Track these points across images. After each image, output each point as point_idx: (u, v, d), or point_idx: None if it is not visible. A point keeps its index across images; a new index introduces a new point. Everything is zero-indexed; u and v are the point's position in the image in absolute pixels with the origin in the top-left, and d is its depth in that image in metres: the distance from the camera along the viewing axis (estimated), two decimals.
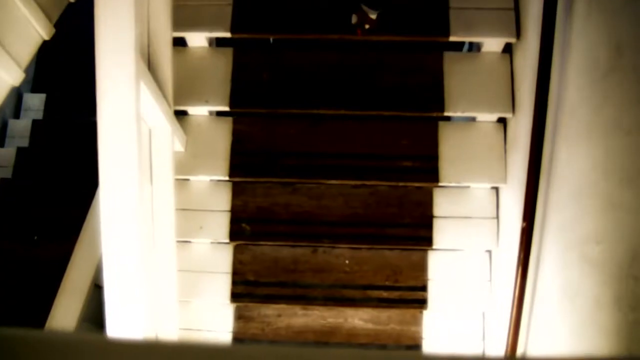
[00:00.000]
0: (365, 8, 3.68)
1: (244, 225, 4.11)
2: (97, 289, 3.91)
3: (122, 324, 2.53)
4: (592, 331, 2.28)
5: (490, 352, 4.05)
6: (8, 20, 2.82)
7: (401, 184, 4.06)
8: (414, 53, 4.04)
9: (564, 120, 2.75)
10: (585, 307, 2.36)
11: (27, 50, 3.05)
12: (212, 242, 4.22)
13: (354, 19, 3.87)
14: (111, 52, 2.49)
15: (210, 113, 4.21)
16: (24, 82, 3.16)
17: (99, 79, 2.48)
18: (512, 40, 3.82)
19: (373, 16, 3.75)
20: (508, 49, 3.95)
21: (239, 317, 4.24)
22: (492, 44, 3.92)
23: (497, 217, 4.03)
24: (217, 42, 4.32)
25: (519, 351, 3.08)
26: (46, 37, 3.16)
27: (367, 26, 3.83)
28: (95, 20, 2.50)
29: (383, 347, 4.18)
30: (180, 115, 4.09)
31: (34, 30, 3.06)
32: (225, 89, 4.05)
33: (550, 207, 2.88)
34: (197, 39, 4.10)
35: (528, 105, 3.35)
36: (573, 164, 2.62)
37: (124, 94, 2.50)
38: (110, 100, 2.49)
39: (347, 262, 4.14)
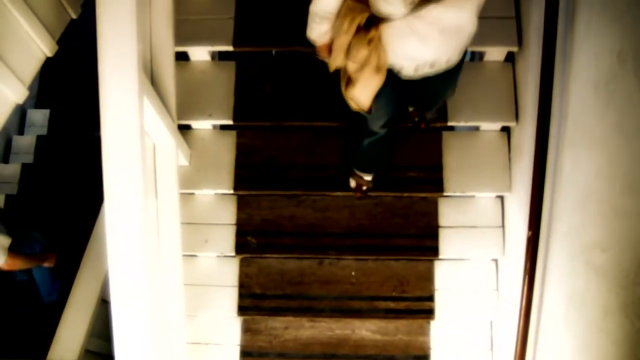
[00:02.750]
0: None
1: (249, 238, 4.11)
2: (104, 303, 3.91)
3: (128, 338, 2.53)
4: (600, 339, 2.27)
5: None
6: (11, 38, 2.83)
7: (406, 194, 4.06)
8: None
9: (567, 128, 2.75)
10: (592, 315, 2.35)
11: (30, 67, 3.06)
12: (217, 256, 4.22)
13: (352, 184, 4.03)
14: (114, 69, 2.50)
15: (214, 127, 4.22)
16: (28, 98, 3.16)
17: (103, 95, 2.48)
18: (514, 49, 3.82)
19: None
20: (510, 57, 3.95)
21: (247, 330, 4.24)
22: (494, 53, 3.92)
23: (503, 226, 4.02)
24: (220, 56, 4.33)
25: None
26: (49, 54, 3.17)
27: None
28: (97, 37, 2.50)
29: (391, 357, 4.17)
30: (184, 129, 4.10)
31: (37, 47, 3.08)
32: (229, 102, 4.06)
33: (556, 215, 2.87)
34: (200, 53, 4.11)
35: (531, 114, 3.35)
36: (577, 171, 2.61)
37: (127, 110, 2.50)
38: (114, 116, 2.49)
39: (353, 273, 4.14)
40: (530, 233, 2.95)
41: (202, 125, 4.16)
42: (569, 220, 2.71)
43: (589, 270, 2.41)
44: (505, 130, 4.02)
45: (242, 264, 4.20)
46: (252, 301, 4.16)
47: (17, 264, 4.01)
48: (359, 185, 3.97)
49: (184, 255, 3.78)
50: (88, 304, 3.85)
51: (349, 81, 2.86)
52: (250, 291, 4.17)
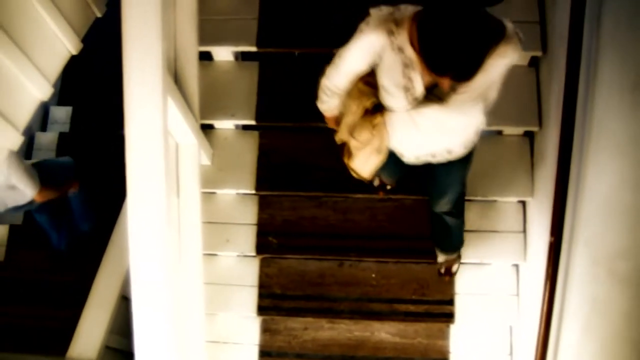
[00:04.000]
0: None
1: (270, 238, 4.12)
2: (124, 300, 3.93)
3: (149, 336, 2.54)
4: (623, 347, 2.25)
5: None
6: (37, 36, 2.85)
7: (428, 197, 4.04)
8: None
9: (591, 134, 2.73)
10: (615, 322, 2.34)
11: (55, 65, 3.08)
12: (238, 255, 4.23)
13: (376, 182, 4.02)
14: (139, 68, 2.51)
15: (237, 127, 4.23)
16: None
17: (127, 95, 2.49)
18: (538, 53, 3.79)
19: None
20: (534, 62, 3.93)
21: (265, 330, 4.24)
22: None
23: (524, 231, 4.00)
24: (243, 56, 4.34)
25: None
26: (74, 52, 3.18)
27: None
28: (122, 36, 2.52)
29: None
30: (207, 128, 4.11)
31: (62, 45, 3.09)
32: (251, 102, 4.07)
33: (578, 221, 2.85)
34: (223, 53, 4.12)
35: (555, 119, 3.32)
36: (601, 178, 2.59)
37: (151, 109, 2.51)
38: (138, 115, 2.50)
39: (373, 275, 4.13)
40: (552, 239, 2.93)
41: (225, 125, 4.18)
42: (591, 226, 2.69)
43: (611, 278, 2.39)
44: (528, 135, 4.00)
45: (263, 264, 4.21)
46: (271, 301, 4.16)
47: (49, 195, 4.46)
48: (382, 184, 3.96)
49: (205, 254, 3.79)
50: (108, 301, 3.87)
51: (350, 154, 2.91)
52: (270, 291, 4.17)
